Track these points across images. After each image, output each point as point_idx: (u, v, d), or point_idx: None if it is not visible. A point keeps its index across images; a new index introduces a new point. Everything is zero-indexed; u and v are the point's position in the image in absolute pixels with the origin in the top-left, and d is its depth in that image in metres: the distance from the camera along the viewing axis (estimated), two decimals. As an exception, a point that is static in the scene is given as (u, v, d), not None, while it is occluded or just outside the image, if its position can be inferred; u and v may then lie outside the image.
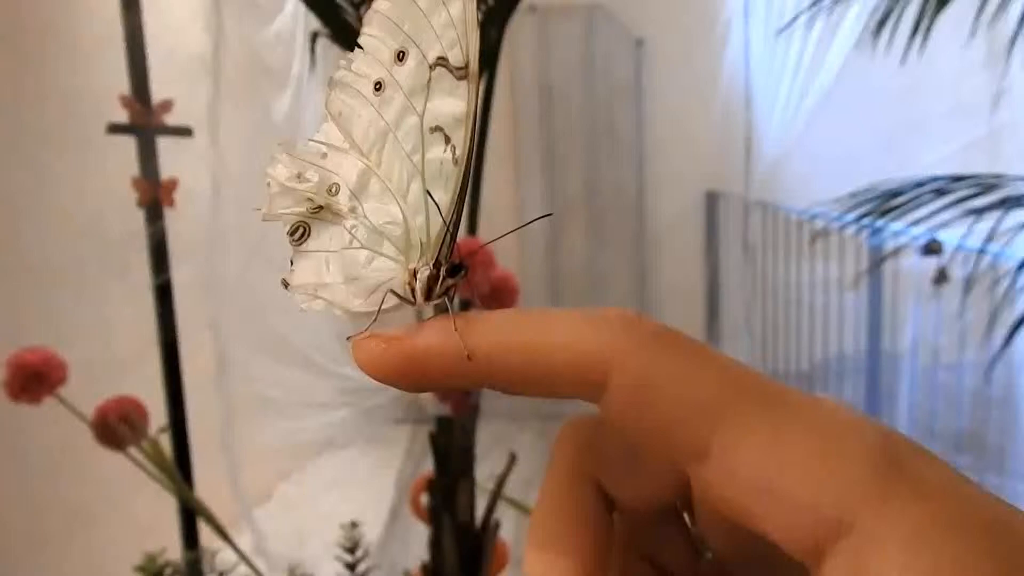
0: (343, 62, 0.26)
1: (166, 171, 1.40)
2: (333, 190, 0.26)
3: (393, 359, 0.21)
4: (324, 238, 0.27)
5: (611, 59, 3.42)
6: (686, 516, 0.24)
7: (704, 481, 0.18)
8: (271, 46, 1.88)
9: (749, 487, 0.17)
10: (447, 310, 0.24)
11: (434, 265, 0.25)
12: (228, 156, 1.79)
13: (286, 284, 0.27)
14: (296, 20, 1.88)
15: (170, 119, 1.40)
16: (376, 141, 0.26)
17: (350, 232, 0.26)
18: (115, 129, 1.36)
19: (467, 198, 0.26)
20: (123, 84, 1.36)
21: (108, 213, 1.74)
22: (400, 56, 0.25)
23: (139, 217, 1.40)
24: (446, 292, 0.25)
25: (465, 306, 0.92)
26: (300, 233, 0.27)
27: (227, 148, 1.79)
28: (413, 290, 0.25)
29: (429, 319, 0.22)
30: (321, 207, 0.26)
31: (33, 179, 1.62)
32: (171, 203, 1.39)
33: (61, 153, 1.69)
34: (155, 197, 1.37)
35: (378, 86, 0.26)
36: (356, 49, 0.26)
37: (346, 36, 0.92)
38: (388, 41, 0.25)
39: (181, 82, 1.75)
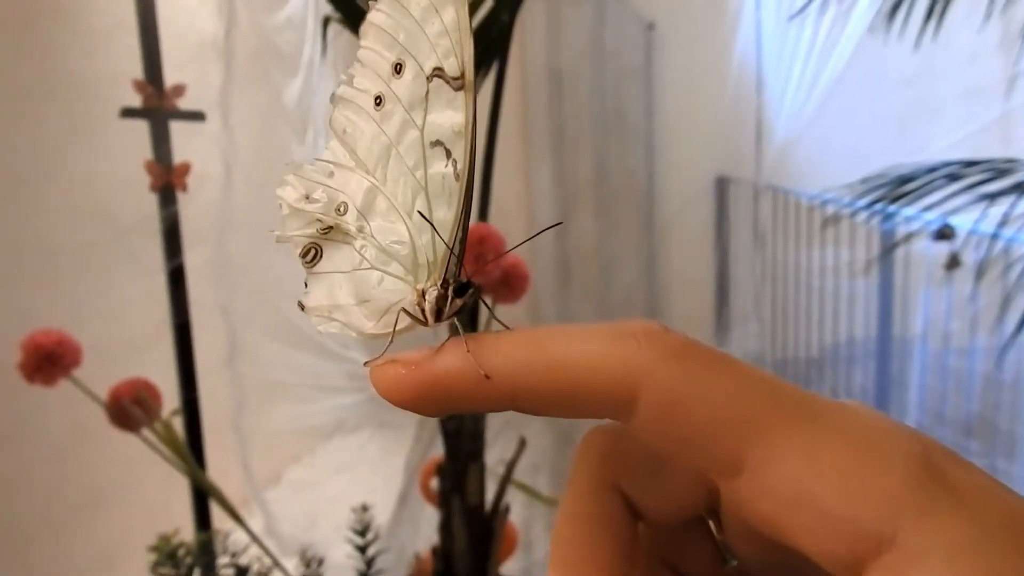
0: (344, 77, 0.26)
1: (178, 155, 1.41)
2: (341, 209, 0.26)
3: (414, 385, 0.21)
4: (336, 259, 0.26)
5: (621, 43, 3.40)
6: (711, 523, 0.23)
7: (738, 495, 0.18)
8: (282, 31, 1.87)
9: (785, 501, 0.17)
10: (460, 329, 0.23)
11: (442, 285, 0.24)
12: (239, 140, 1.79)
13: (302, 307, 0.26)
14: (307, 5, 1.87)
15: (182, 103, 1.40)
16: (380, 157, 0.25)
17: (359, 252, 0.26)
18: (128, 113, 1.36)
19: (475, 195, 0.25)
20: (136, 68, 1.36)
21: (120, 197, 1.75)
22: (398, 68, 0.25)
23: (151, 201, 1.40)
24: (456, 313, 0.24)
25: (477, 295, 0.92)
26: (312, 255, 0.26)
27: (238, 132, 1.79)
28: (424, 310, 0.25)
29: (448, 341, 0.21)
30: (331, 227, 0.26)
31: (46, 163, 1.63)
32: (183, 187, 1.39)
33: (74, 137, 1.69)
34: (167, 181, 1.38)
35: (378, 100, 0.25)
36: (355, 63, 0.26)
37: (357, 21, 0.92)
38: (385, 53, 0.25)
39: (193, 66, 1.76)
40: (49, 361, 0.92)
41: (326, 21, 1.02)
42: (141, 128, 1.38)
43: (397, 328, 0.25)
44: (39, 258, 1.61)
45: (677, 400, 0.18)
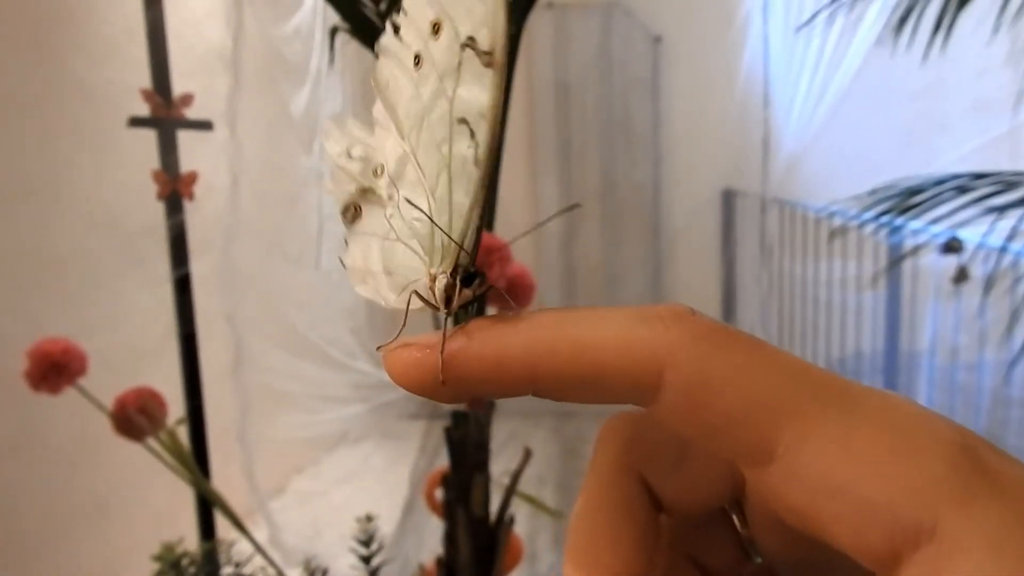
0: (390, 26, 0.23)
1: (185, 164, 1.41)
2: (379, 171, 0.24)
3: (429, 369, 0.20)
4: (372, 221, 0.25)
5: (628, 56, 3.42)
6: (735, 518, 0.22)
7: (766, 484, 0.17)
8: (290, 41, 1.88)
9: (817, 489, 0.16)
10: (470, 314, 0.22)
11: (451, 273, 0.23)
12: (247, 150, 1.80)
13: (343, 263, 0.25)
14: (315, 15, 1.89)
15: (190, 113, 1.41)
16: (415, 122, 0.23)
17: (388, 221, 0.24)
18: (136, 122, 1.36)
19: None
20: (144, 78, 1.37)
21: (127, 206, 1.76)
22: (436, 28, 0.22)
23: (158, 210, 1.41)
24: (467, 304, 0.23)
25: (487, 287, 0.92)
26: (352, 213, 0.25)
27: (246, 142, 1.80)
28: (435, 295, 0.23)
29: (465, 323, 0.20)
30: (367, 189, 0.25)
31: (55, 172, 1.63)
32: (191, 196, 1.40)
33: (82, 146, 1.70)
34: (174, 190, 1.38)
35: (417, 60, 0.23)
36: (402, 13, 0.23)
37: (366, 32, 0.92)
38: (425, 8, 0.22)
39: (201, 76, 1.77)
40: (55, 370, 0.91)
41: (334, 31, 1.02)
42: (149, 137, 1.38)
43: (410, 309, 0.23)
44: (46, 266, 1.61)
45: (703, 383, 0.18)
